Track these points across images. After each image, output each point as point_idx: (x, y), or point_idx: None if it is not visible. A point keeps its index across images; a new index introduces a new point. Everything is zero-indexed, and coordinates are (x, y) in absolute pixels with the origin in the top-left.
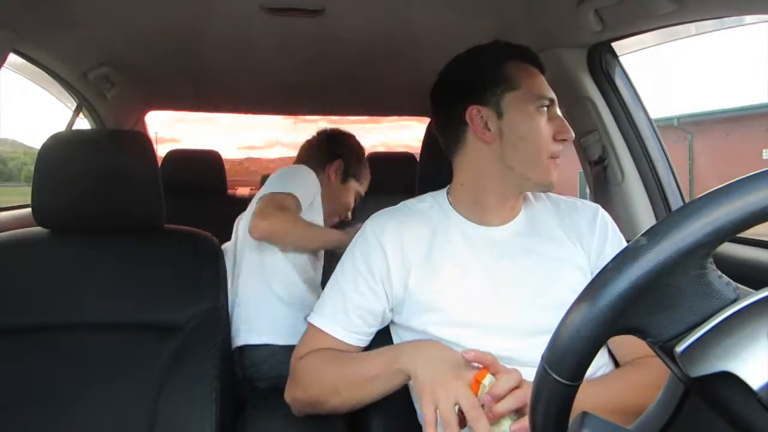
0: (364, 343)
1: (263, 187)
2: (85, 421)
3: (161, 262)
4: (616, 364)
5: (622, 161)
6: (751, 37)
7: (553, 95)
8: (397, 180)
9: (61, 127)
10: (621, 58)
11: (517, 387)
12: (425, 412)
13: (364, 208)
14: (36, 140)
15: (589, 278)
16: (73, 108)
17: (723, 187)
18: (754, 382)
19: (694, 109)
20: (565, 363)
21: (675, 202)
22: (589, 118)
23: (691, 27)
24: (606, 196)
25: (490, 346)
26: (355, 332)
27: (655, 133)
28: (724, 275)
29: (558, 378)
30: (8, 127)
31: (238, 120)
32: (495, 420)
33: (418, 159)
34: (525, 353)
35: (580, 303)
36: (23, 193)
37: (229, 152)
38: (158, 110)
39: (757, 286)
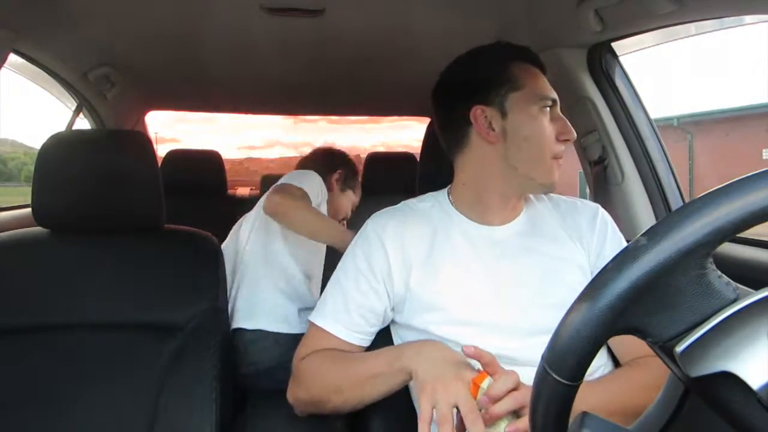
0: (366, 343)
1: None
2: (85, 421)
3: (161, 262)
4: (616, 363)
5: (622, 161)
6: (751, 37)
7: (555, 96)
8: (397, 180)
9: (61, 127)
10: (621, 58)
11: (514, 389)
12: (422, 409)
13: (365, 208)
14: (36, 140)
15: (590, 278)
16: (73, 108)
17: (723, 187)
18: (754, 382)
19: (694, 109)
20: (565, 363)
21: (675, 202)
22: (589, 118)
23: (691, 27)
24: (606, 196)
25: (491, 345)
26: (356, 331)
27: (655, 133)
28: (724, 275)
29: (558, 378)
30: (8, 127)
31: (238, 120)
32: (491, 422)
33: (418, 159)
34: (525, 353)
35: (580, 303)
36: (23, 193)
37: (229, 152)
38: (158, 110)
39: (757, 286)
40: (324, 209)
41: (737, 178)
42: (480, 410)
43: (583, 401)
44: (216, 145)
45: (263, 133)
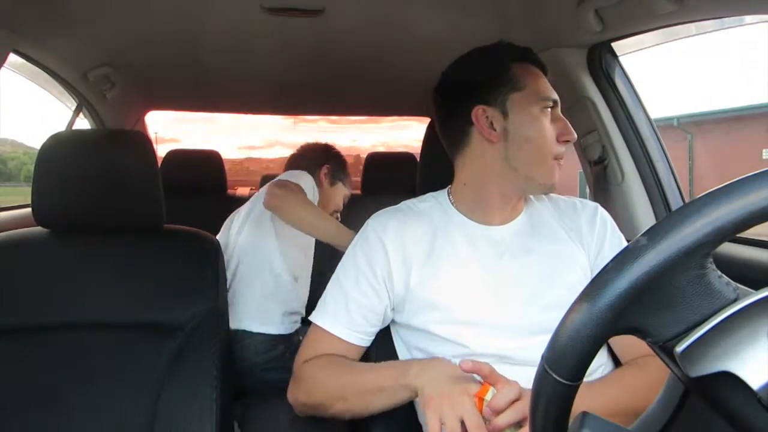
0: (366, 343)
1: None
2: (85, 422)
3: (161, 262)
4: (616, 363)
5: (622, 161)
6: (751, 37)
7: (556, 96)
8: (397, 180)
9: (61, 127)
10: (621, 58)
11: (517, 399)
12: (430, 425)
13: (365, 208)
14: (36, 140)
15: (590, 278)
16: (73, 108)
17: (723, 187)
18: (754, 382)
19: (694, 109)
20: (565, 363)
21: (675, 202)
22: (589, 118)
23: (691, 27)
24: (606, 196)
25: (491, 345)
26: (357, 331)
27: (655, 133)
28: (724, 275)
29: (558, 378)
30: (8, 127)
31: (238, 120)
32: None
33: (418, 159)
34: (525, 352)
35: (580, 303)
36: (23, 193)
37: (229, 152)
38: (158, 110)
39: (757, 286)
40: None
41: (737, 178)
42: (486, 422)
43: (583, 402)
44: (216, 145)
45: (263, 133)
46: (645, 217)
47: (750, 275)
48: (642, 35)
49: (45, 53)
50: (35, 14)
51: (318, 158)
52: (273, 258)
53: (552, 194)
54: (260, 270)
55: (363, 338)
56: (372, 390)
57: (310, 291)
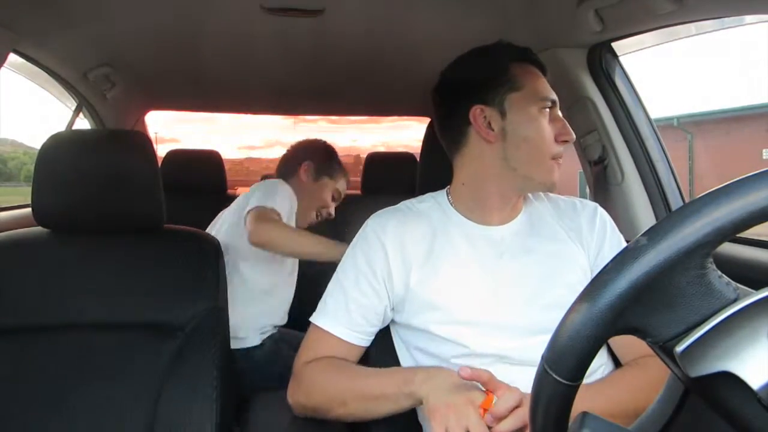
0: (366, 343)
1: (250, 198)
2: (85, 422)
3: (161, 262)
4: (617, 363)
5: (622, 161)
6: (751, 37)
7: (555, 97)
8: (397, 180)
9: (61, 127)
10: (621, 58)
11: (518, 406)
12: None
13: (365, 208)
14: (36, 140)
15: (589, 277)
16: (73, 108)
17: (723, 187)
18: (754, 382)
19: (694, 109)
20: (565, 363)
21: (675, 202)
22: (589, 118)
23: (691, 27)
24: (606, 196)
25: (491, 344)
26: (357, 331)
27: (655, 133)
28: (724, 275)
29: (558, 378)
30: (8, 127)
31: (238, 120)
32: None
33: (418, 159)
34: (525, 352)
35: (580, 303)
36: (23, 193)
37: (229, 152)
38: (158, 110)
39: (757, 286)
40: (293, 215)
41: (737, 178)
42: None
43: (583, 402)
44: (216, 145)
45: (263, 133)
46: (645, 217)
47: (750, 275)
48: (642, 35)
49: (45, 53)
50: (35, 14)
51: (298, 156)
52: (244, 266)
53: (551, 194)
54: (232, 278)
55: (363, 338)
56: (374, 396)
57: (310, 291)
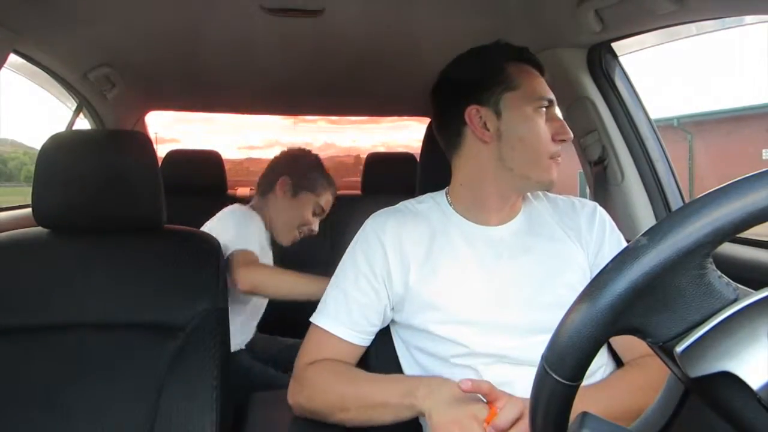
0: (366, 342)
1: (221, 233)
2: (85, 422)
3: (161, 262)
4: (618, 363)
5: (622, 161)
6: (751, 37)
7: (552, 96)
8: (397, 180)
9: (61, 127)
10: (621, 58)
11: (520, 418)
12: None
13: (365, 208)
14: (36, 140)
15: (589, 277)
16: (73, 108)
17: (723, 187)
18: (754, 382)
19: (694, 109)
20: (565, 363)
21: (675, 202)
22: (589, 118)
23: (692, 27)
24: (606, 196)
25: (491, 344)
26: (358, 331)
27: (655, 133)
28: (724, 275)
29: (558, 378)
30: (8, 127)
31: (238, 120)
32: None
33: (418, 159)
34: (525, 352)
35: (580, 303)
36: (23, 193)
37: (229, 152)
38: (158, 110)
39: (757, 286)
40: (267, 245)
41: (737, 179)
42: None
43: (583, 403)
44: (216, 145)
45: (263, 133)
46: (645, 217)
47: (750, 275)
48: (642, 35)
49: (45, 53)
50: (35, 14)
51: (276, 170)
52: None
53: (550, 194)
54: None
55: (364, 338)
56: (375, 405)
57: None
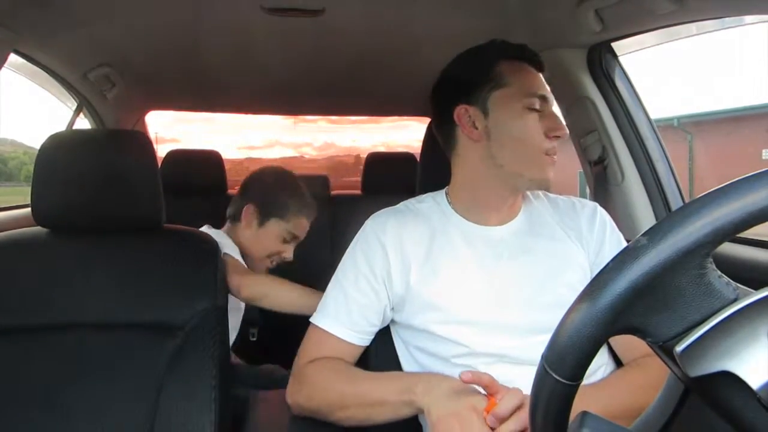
0: (366, 342)
1: None
2: (84, 422)
3: (161, 262)
4: (618, 364)
5: (622, 161)
6: (751, 37)
7: (544, 92)
8: (397, 180)
9: (61, 127)
10: (621, 58)
11: (520, 407)
12: None
13: (365, 208)
14: (36, 140)
15: (589, 277)
16: (73, 108)
17: (722, 187)
18: (754, 382)
19: (694, 109)
20: (565, 362)
21: (675, 202)
22: (589, 118)
23: (692, 27)
24: (606, 196)
25: (491, 344)
26: (357, 331)
27: (655, 133)
28: (724, 275)
29: (558, 377)
30: (8, 127)
31: (238, 120)
32: None
33: (418, 159)
34: (525, 352)
35: (580, 303)
36: (23, 193)
37: (229, 152)
38: (158, 110)
39: (757, 286)
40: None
41: (737, 179)
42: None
43: (583, 402)
44: (216, 145)
45: (263, 133)
46: (645, 217)
47: (750, 275)
48: (642, 35)
49: (45, 53)
50: (35, 14)
51: (242, 197)
52: None
53: (550, 194)
54: None
55: (364, 338)
56: (374, 403)
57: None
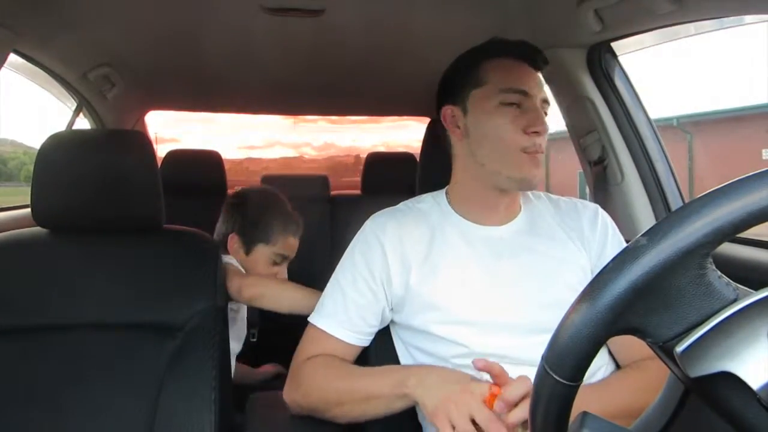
0: (365, 343)
1: None
2: (84, 422)
3: (161, 262)
4: (618, 364)
5: (622, 161)
6: (751, 37)
7: (526, 87)
8: (397, 180)
9: (61, 127)
10: (621, 58)
11: (527, 396)
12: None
13: (365, 208)
14: (36, 140)
15: (590, 278)
16: (73, 108)
17: (722, 187)
18: (754, 382)
19: (694, 109)
20: (565, 363)
21: (674, 202)
22: (589, 118)
23: (691, 27)
24: (606, 196)
25: (491, 344)
26: (355, 332)
27: (655, 133)
28: (724, 275)
29: (558, 378)
30: (8, 127)
31: (238, 120)
32: None
33: (418, 159)
34: (525, 352)
35: (580, 303)
36: (23, 193)
37: (229, 152)
38: (158, 110)
39: (757, 286)
40: None
41: (736, 179)
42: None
43: (583, 403)
44: (216, 145)
45: (263, 133)
46: (645, 217)
47: (750, 275)
48: (642, 35)
49: (45, 53)
50: (35, 14)
51: (226, 224)
52: None
53: (552, 195)
54: None
55: (362, 338)
56: (368, 397)
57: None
